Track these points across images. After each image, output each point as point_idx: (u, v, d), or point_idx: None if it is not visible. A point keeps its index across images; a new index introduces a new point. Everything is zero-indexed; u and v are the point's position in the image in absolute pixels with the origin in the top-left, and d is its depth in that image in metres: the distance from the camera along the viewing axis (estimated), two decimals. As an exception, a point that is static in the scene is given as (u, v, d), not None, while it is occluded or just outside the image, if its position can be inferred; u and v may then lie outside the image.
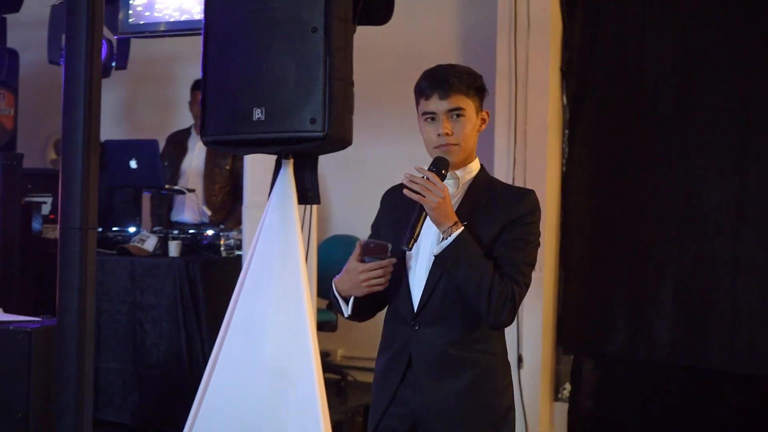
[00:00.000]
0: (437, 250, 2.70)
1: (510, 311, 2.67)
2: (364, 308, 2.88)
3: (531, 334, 5.56)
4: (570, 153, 5.73)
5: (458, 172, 2.84)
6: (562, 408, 5.70)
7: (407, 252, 2.76)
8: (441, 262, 2.72)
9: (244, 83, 3.31)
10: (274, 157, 3.61)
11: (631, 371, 5.51)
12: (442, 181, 2.72)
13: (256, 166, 5.23)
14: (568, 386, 5.70)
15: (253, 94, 3.28)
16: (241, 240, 5.83)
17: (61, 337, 3.58)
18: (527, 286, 2.75)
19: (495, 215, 2.77)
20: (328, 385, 3.83)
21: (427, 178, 2.68)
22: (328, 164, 5.00)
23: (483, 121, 2.86)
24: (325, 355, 6.59)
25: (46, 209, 6.80)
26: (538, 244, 2.84)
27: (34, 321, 4.21)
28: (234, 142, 3.44)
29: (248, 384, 3.55)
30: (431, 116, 2.81)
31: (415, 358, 2.79)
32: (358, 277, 2.74)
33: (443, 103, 2.78)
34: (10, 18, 6.67)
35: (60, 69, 3.60)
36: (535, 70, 5.61)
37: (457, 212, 2.76)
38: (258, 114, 3.28)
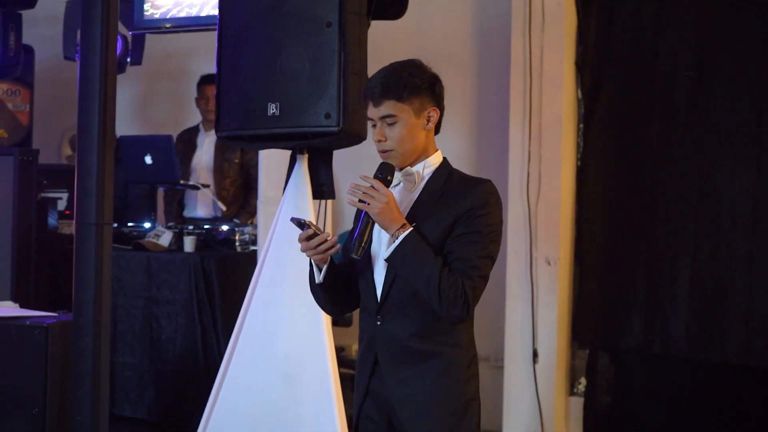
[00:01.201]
0: (386, 254, 2.74)
1: (462, 306, 2.69)
2: (336, 285, 2.90)
3: (546, 329, 5.55)
4: (585, 147, 5.70)
5: (415, 168, 2.86)
6: (578, 402, 5.69)
7: (355, 256, 2.78)
8: (391, 264, 2.76)
9: (258, 78, 3.32)
10: (289, 153, 3.62)
11: (647, 365, 5.49)
12: (389, 185, 2.76)
13: (271, 161, 5.24)
14: (583, 381, 5.69)
15: (268, 89, 3.29)
16: (256, 235, 5.84)
17: (77, 332, 3.60)
18: (483, 278, 2.75)
19: (447, 209, 2.78)
20: (343, 379, 3.83)
21: (372, 186, 2.71)
22: (342, 159, 4.98)
23: (428, 119, 2.85)
24: (339, 350, 6.60)
25: (61, 205, 6.82)
26: (496, 235, 2.81)
27: (50, 316, 4.23)
28: (249, 137, 3.45)
29: (263, 379, 3.56)
30: (372, 122, 2.84)
31: (379, 352, 2.84)
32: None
33: (376, 110, 2.81)
34: (26, 14, 6.68)
35: (75, 65, 3.61)
36: (550, 63, 5.59)
37: (413, 208, 2.81)
38: (273, 109, 3.29)
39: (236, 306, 3.81)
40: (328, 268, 2.84)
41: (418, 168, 2.86)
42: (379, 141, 2.81)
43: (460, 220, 2.75)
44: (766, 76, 5.10)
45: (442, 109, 2.89)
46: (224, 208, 6.44)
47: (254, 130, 3.36)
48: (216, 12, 3.52)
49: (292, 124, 3.27)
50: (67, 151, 8.27)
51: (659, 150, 5.43)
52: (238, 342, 3.62)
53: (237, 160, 6.55)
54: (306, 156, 3.52)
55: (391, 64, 2.88)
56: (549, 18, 5.58)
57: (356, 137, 3.32)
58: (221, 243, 5.96)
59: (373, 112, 2.81)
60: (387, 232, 2.74)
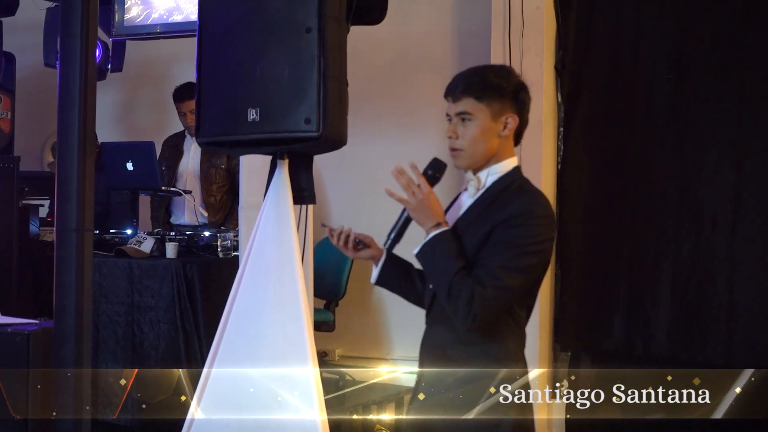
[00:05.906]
0: (415, 249, 2.72)
1: (466, 314, 2.60)
2: (397, 282, 2.99)
3: (527, 331, 5.55)
4: (565, 151, 5.72)
5: (480, 174, 2.80)
6: (560, 404, 5.70)
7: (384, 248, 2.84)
8: (419, 261, 2.75)
9: (238, 84, 3.32)
10: (269, 158, 3.62)
11: (629, 367, 5.51)
12: (435, 182, 2.74)
13: (252, 167, 5.23)
14: (565, 383, 5.70)
15: (248, 94, 3.29)
16: (238, 241, 5.84)
17: (58, 339, 3.59)
18: (500, 289, 2.61)
19: (489, 217, 2.71)
20: (326, 384, 3.83)
21: (417, 182, 2.71)
22: (323, 164, 4.99)
23: (505, 125, 2.77)
24: (322, 355, 6.60)
25: (43, 212, 6.81)
26: (533, 248, 2.70)
27: (31, 323, 4.22)
28: (229, 143, 3.45)
29: (245, 384, 3.56)
30: (448, 118, 2.82)
31: (423, 359, 2.84)
32: None
33: (453, 106, 2.78)
34: (6, 21, 6.67)
35: (56, 72, 3.62)
36: (530, 68, 5.61)
37: (464, 213, 2.79)
38: (253, 114, 3.28)
39: (218, 311, 3.80)
40: (384, 264, 2.89)
41: (481, 174, 2.79)
42: (450, 138, 2.77)
43: (496, 228, 2.67)
44: (744, 78, 5.14)
45: (525, 119, 2.82)
46: (206, 215, 6.44)
47: (234, 136, 3.35)
48: (196, 18, 3.52)
49: (272, 129, 3.27)
50: (49, 158, 8.25)
51: (639, 153, 5.45)
52: (219, 347, 3.62)
53: (224, 166, 6.56)
54: (286, 161, 3.52)
55: (481, 65, 2.87)
56: (528, 22, 5.60)
57: (337, 142, 3.32)
58: (203, 249, 5.95)
59: (450, 107, 2.79)
60: (423, 228, 2.71)
